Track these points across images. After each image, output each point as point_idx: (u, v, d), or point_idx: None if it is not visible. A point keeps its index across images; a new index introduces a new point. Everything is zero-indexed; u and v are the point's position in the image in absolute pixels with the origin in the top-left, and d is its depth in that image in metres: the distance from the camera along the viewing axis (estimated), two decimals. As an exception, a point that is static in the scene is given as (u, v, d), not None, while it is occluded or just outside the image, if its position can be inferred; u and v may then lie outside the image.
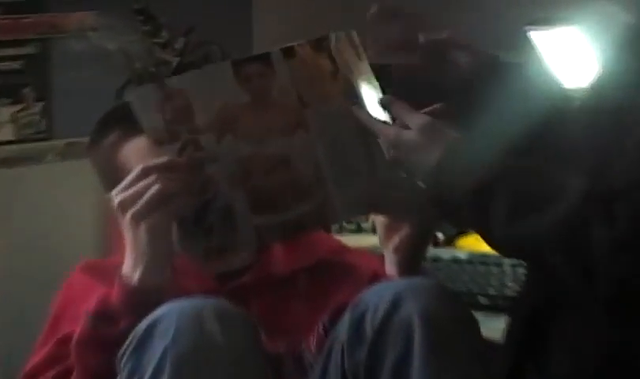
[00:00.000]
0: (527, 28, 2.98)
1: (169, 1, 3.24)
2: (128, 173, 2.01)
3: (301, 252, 2.20)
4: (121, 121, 2.20)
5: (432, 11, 3.47)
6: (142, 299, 1.85)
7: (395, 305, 1.87)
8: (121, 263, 1.97)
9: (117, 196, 1.85)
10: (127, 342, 1.81)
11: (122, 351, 1.82)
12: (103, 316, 1.95)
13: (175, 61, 3.19)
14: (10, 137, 3.06)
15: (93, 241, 3.06)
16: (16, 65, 3.05)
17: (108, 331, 1.91)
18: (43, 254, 3.00)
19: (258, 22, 3.41)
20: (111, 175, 2.15)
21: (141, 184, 1.87)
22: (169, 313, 1.83)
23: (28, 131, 3.08)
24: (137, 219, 1.85)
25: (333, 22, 3.26)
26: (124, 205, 1.84)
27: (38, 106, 3.07)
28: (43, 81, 3.10)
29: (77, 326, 1.91)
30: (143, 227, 1.85)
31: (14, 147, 3.08)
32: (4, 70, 3.01)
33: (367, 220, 3.16)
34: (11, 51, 3.02)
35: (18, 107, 3.05)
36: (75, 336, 1.95)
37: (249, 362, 1.86)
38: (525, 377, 2.00)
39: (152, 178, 1.86)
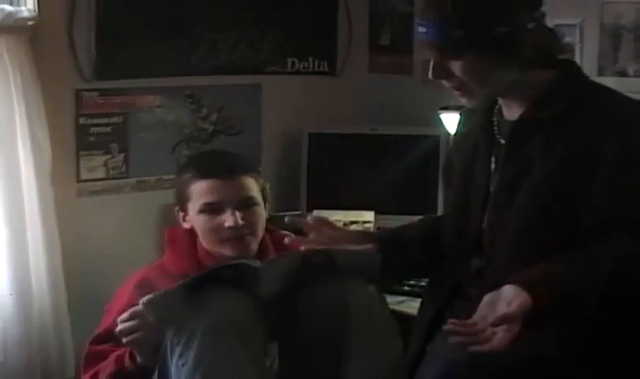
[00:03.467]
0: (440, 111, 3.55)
1: (208, 89, 3.74)
2: (188, 198, 2.84)
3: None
4: (193, 167, 2.93)
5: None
6: (145, 365, 2.46)
7: (335, 295, 2.36)
8: (166, 266, 2.81)
9: (119, 326, 2.41)
10: (171, 312, 2.29)
11: (168, 320, 2.30)
12: (121, 369, 2.56)
13: (211, 128, 3.76)
14: (102, 176, 3.52)
15: (152, 248, 3.48)
16: (107, 129, 3.52)
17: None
18: (116, 255, 3.45)
19: (264, 106, 3.93)
20: (180, 196, 2.91)
21: (128, 327, 2.40)
22: (200, 298, 2.29)
23: (114, 172, 3.55)
24: (128, 342, 2.44)
25: (318, 109, 3.97)
26: (121, 332, 2.41)
27: (120, 156, 3.55)
28: (124, 140, 3.57)
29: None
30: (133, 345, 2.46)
31: (104, 183, 3.54)
32: (100, 132, 3.49)
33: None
34: (105, 120, 3.50)
35: (108, 156, 3.52)
36: (104, 377, 2.60)
37: (248, 330, 2.31)
38: (432, 346, 2.39)
39: (131, 323, 2.39)
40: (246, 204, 2.83)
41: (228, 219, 2.78)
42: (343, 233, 2.60)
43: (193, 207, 2.84)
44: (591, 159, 2.20)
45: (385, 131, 3.88)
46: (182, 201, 2.90)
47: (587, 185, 2.19)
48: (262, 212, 2.89)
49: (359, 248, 2.49)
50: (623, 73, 3.32)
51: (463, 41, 2.18)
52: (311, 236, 2.49)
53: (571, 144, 2.23)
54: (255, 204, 2.86)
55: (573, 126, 2.23)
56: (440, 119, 3.58)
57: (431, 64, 2.27)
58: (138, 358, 2.49)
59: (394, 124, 3.90)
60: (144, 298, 2.32)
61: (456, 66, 2.23)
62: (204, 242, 2.85)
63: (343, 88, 4.11)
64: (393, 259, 2.51)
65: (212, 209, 2.81)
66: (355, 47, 4.16)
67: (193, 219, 2.86)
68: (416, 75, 3.92)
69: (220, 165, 2.89)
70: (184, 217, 2.90)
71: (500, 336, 1.97)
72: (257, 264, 2.45)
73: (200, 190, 2.83)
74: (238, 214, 2.79)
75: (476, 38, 2.18)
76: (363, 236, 2.61)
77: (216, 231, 2.81)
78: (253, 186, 2.88)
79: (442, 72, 2.25)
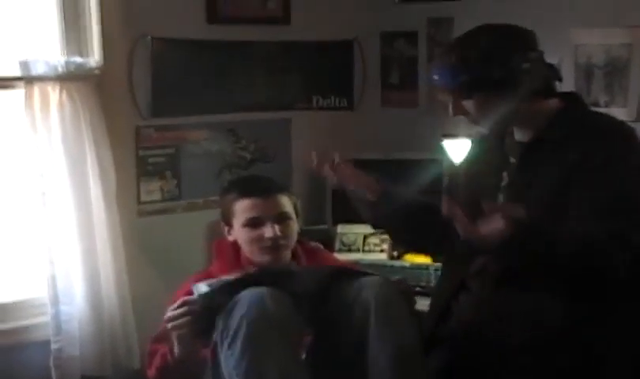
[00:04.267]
0: (441, 138, 3.69)
1: (246, 123, 3.93)
2: (233, 215, 2.96)
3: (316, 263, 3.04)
4: (236, 188, 3.07)
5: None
6: (182, 360, 2.64)
7: (359, 292, 2.50)
8: (214, 273, 2.86)
9: (168, 312, 2.58)
10: (221, 313, 2.43)
11: (218, 318, 2.43)
12: (164, 365, 2.71)
13: (249, 157, 3.94)
14: (159, 198, 3.73)
15: (201, 258, 3.65)
16: (162, 158, 3.72)
17: (167, 370, 2.70)
18: (171, 264, 3.58)
19: (293, 136, 4.12)
20: (225, 213, 3.05)
21: (177, 313, 2.56)
22: (245, 296, 2.43)
23: (168, 195, 3.75)
24: (173, 328, 2.59)
25: (339, 139, 3.96)
26: (170, 319, 2.58)
27: (173, 182, 3.76)
28: (176, 168, 3.78)
29: None
30: (175, 335, 2.62)
31: (160, 204, 3.75)
32: (156, 162, 3.70)
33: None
34: (160, 151, 3.71)
35: (163, 182, 3.74)
36: (153, 373, 2.76)
37: (288, 324, 2.44)
38: (440, 332, 2.63)
39: (181, 310, 2.55)
40: (282, 218, 2.95)
41: (268, 231, 2.91)
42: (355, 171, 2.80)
43: (238, 221, 2.97)
44: (574, 165, 2.41)
45: (396, 156, 3.99)
46: (227, 217, 3.02)
47: (567, 187, 2.40)
48: (295, 225, 3.01)
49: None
50: (595, 104, 3.44)
51: (468, 85, 2.45)
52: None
53: (565, 161, 2.42)
54: (290, 218, 2.98)
55: (570, 147, 2.43)
56: (442, 146, 3.72)
57: (450, 104, 2.54)
58: (176, 351, 2.63)
59: (403, 150, 4.01)
60: (196, 287, 2.54)
61: (468, 105, 2.50)
62: (246, 251, 2.98)
63: (359, 121, 4.26)
64: (392, 203, 2.75)
65: (254, 223, 2.94)
66: (369, 86, 4.32)
67: (238, 232, 2.99)
68: (421, 108, 4.07)
69: (259, 186, 3.02)
70: (229, 231, 3.03)
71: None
72: (294, 268, 2.70)
73: (243, 207, 2.96)
74: (276, 227, 2.92)
75: (478, 81, 2.44)
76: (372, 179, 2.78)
77: (258, 241, 2.94)
78: (287, 203, 3.00)
79: (459, 110, 2.52)
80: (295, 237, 3.01)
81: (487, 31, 2.52)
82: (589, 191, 2.35)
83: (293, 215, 3.02)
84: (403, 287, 2.68)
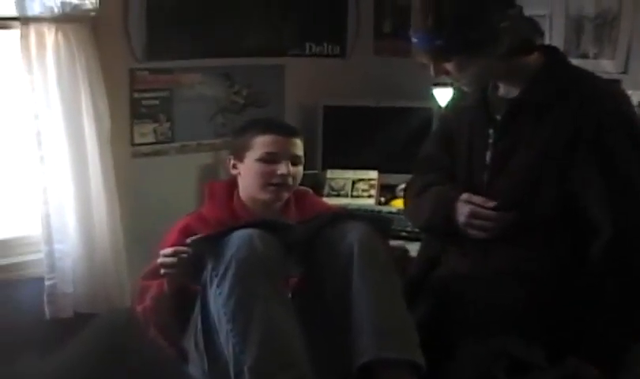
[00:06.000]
0: (432, 87, 3.70)
1: (240, 68, 3.89)
2: (249, 148, 2.92)
3: (307, 212, 2.96)
4: (259, 124, 3.03)
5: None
6: (174, 292, 2.63)
7: (344, 236, 2.49)
8: (205, 215, 2.89)
9: (160, 259, 2.57)
10: (211, 251, 2.40)
11: (208, 256, 2.41)
12: (159, 295, 2.67)
13: (242, 102, 3.92)
14: (152, 140, 3.70)
15: (192, 200, 3.67)
16: (156, 101, 3.69)
17: (162, 301, 2.67)
18: (163, 205, 3.54)
19: (286, 83, 4.08)
20: (239, 147, 2.99)
21: (169, 261, 2.55)
22: (235, 236, 2.41)
23: (161, 137, 3.72)
24: (165, 273, 2.59)
25: (331, 86, 4.10)
26: (162, 265, 2.58)
27: (167, 125, 3.73)
28: (170, 111, 3.74)
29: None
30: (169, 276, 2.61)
31: (153, 146, 3.72)
32: (150, 104, 3.66)
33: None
34: (154, 94, 3.67)
35: (156, 124, 3.70)
36: (147, 303, 2.71)
37: (276, 264, 2.43)
38: (427, 280, 2.63)
39: (172, 259, 2.54)
40: (295, 161, 2.96)
41: (282, 168, 2.90)
42: None
43: (253, 154, 2.94)
44: (574, 131, 2.36)
45: (387, 104, 4.00)
46: (240, 151, 2.99)
47: (571, 153, 2.36)
48: (302, 171, 3.02)
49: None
50: (584, 56, 3.43)
51: (445, 48, 2.36)
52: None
53: (559, 121, 2.37)
54: (301, 163, 2.99)
55: (561, 107, 2.38)
56: (432, 94, 3.71)
57: (431, 66, 2.45)
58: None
59: (394, 98, 4.00)
60: (190, 239, 2.49)
61: (449, 66, 2.41)
62: (249, 185, 2.95)
63: (352, 68, 4.25)
64: None
65: (270, 159, 2.92)
66: (363, 34, 4.30)
67: (248, 165, 2.96)
68: (413, 57, 3.88)
69: (283, 125, 3.05)
70: (235, 165, 3.00)
71: None
72: (286, 221, 2.65)
73: (265, 141, 2.93)
74: (290, 166, 2.93)
75: (455, 44, 2.35)
76: None
77: (268, 176, 2.91)
78: (301, 148, 3.00)
79: (440, 71, 2.44)
80: (299, 182, 3.02)
81: None
82: (587, 159, 2.34)
83: (303, 161, 3.03)
84: (397, 254, 2.70)
